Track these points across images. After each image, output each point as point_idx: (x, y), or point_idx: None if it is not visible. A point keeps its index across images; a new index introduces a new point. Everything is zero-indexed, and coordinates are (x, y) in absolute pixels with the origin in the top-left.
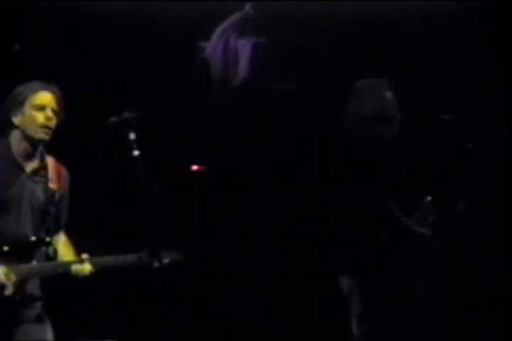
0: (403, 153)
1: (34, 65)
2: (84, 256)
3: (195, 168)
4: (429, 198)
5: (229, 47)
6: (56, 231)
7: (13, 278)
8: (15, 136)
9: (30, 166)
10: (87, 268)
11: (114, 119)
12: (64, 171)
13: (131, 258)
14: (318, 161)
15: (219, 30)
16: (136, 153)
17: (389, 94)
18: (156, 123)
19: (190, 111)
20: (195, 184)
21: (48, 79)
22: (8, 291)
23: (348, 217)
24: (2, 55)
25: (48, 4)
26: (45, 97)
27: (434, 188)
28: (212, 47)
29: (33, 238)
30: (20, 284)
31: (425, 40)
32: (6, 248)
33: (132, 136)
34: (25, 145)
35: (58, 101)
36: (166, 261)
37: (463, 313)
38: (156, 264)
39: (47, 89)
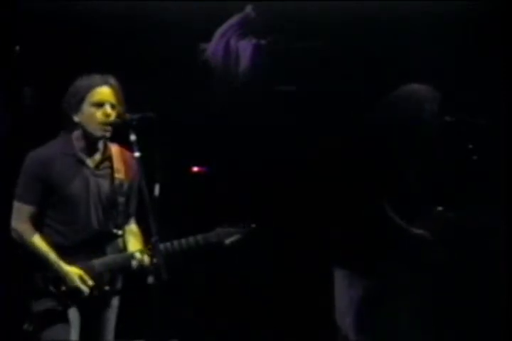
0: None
1: (34, 66)
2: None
3: (196, 169)
4: (440, 208)
5: (230, 49)
6: (126, 222)
7: (88, 279)
8: (76, 133)
9: (93, 161)
10: (146, 259)
11: (115, 120)
12: (131, 159)
13: (199, 238)
14: (321, 159)
15: (220, 31)
16: (137, 154)
17: (431, 105)
18: (156, 125)
19: (191, 112)
20: (196, 185)
21: (47, 80)
22: (85, 293)
23: (347, 214)
24: (2, 56)
25: (47, 5)
26: (103, 93)
27: (441, 192)
28: (213, 48)
29: (103, 232)
30: (97, 280)
31: (424, 40)
32: (76, 245)
33: (133, 137)
34: (86, 141)
35: (116, 94)
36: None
37: (457, 314)
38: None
39: (103, 84)
